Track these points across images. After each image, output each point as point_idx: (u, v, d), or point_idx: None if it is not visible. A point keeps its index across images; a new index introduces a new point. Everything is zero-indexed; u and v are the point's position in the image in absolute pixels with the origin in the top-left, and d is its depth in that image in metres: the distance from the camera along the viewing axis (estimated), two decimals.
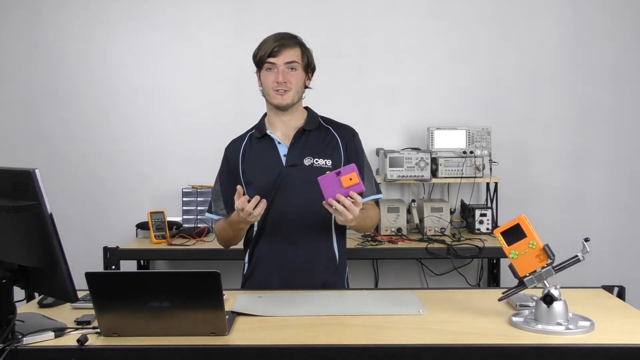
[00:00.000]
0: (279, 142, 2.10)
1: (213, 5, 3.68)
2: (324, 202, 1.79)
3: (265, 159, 2.09)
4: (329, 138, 2.12)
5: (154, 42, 3.70)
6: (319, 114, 2.18)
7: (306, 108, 2.17)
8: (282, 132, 2.11)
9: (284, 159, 2.08)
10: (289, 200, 2.04)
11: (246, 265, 2.15)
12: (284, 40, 2.03)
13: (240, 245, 2.19)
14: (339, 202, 1.77)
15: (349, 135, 2.14)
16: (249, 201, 1.84)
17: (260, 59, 2.03)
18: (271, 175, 2.04)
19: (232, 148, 2.17)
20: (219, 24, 3.69)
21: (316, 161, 2.06)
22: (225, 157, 2.18)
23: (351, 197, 1.77)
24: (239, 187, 1.87)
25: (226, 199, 2.12)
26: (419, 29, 3.69)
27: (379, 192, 2.15)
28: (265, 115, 2.18)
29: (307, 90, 2.13)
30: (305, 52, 2.08)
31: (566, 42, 3.68)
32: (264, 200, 1.86)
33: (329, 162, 2.07)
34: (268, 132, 2.11)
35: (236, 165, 2.12)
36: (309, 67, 2.10)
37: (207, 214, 2.20)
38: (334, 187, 1.77)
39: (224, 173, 2.17)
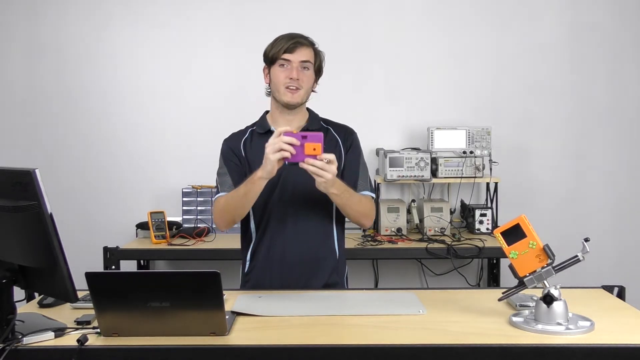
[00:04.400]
0: None
1: (214, 6, 3.68)
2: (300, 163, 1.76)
3: None
4: (329, 138, 2.12)
5: (154, 43, 3.69)
6: (319, 115, 2.19)
7: (307, 109, 2.18)
8: None
9: None
10: (290, 198, 2.04)
11: (247, 263, 2.15)
12: (300, 39, 2.05)
13: (239, 244, 2.19)
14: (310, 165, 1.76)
15: (347, 134, 2.16)
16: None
17: (275, 55, 2.04)
18: None
19: (233, 140, 2.15)
20: (219, 25, 3.69)
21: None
22: (226, 147, 2.14)
23: (322, 158, 1.75)
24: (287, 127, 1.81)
25: (234, 178, 2.07)
26: (419, 28, 3.69)
27: (373, 192, 2.15)
28: (266, 112, 2.18)
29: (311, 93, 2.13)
30: (318, 55, 2.09)
31: (566, 42, 3.68)
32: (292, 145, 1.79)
33: None
34: (272, 128, 2.11)
35: (241, 156, 2.11)
36: (319, 70, 2.11)
37: (217, 196, 2.11)
38: (295, 147, 1.75)
39: (228, 158, 2.12)
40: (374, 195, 2.16)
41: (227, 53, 3.68)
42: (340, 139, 2.14)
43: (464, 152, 3.42)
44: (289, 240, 2.06)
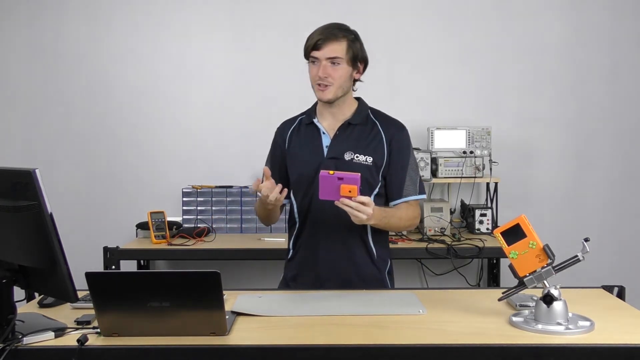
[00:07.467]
0: (324, 132, 2.07)
1: (214, 6, 3.68)
2: (336, 202, 1.78)
3: (308, 147, 2.08)
4: (373, 133, 2.07)
5: (154, 43, 3.69)
6: (368, 106, 2.15)
7: (358, 99, 2.13)
8: (329, 123, 2.09)
9: (325, 150, 2.06)
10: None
11: (290, 251, 2.15)
12: (329, 34, 1.98)
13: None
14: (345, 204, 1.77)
15: (394, 129, 2.10)
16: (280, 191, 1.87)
17: (305, 51, 2.02)
18: (311, 165, 2.03)
19: (282, 130, 2.17)
20: (219, 26, 3.69)
21: (357, 157, 2.03)
22: (274, 140, 2.18)
23: (358, 200, 1.77)
24: (266, 168, 1.88)
25: (274, 169, 2.07)
26: (419, 28, 3.69)
27: (422, 192, 2.10)
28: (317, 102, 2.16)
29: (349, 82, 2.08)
30: (352, 46, 2.02)
31: (566, 42, 3.68)
32: (285, 190, 1.88)
33: (369, 159, 2.03)
34: (315, 120, 2.10)
35: (283, 148, 2.12)
36: (357, 60, 2.05)
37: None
38: (330, 189, 1.76)
39: (273, 155, 2.17)
40: (423, 196, 2.10)
41: (228, 53, 3.68)
42: (385, 135, 2.07)
43: (464, 152, 3.42)
44: (326, 234, 2.04)
